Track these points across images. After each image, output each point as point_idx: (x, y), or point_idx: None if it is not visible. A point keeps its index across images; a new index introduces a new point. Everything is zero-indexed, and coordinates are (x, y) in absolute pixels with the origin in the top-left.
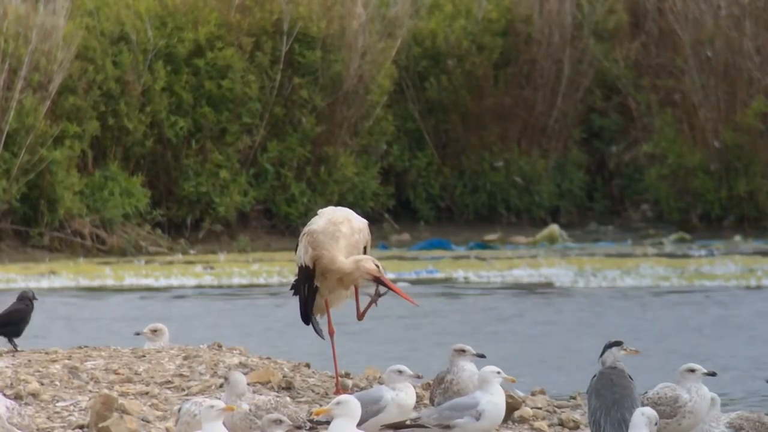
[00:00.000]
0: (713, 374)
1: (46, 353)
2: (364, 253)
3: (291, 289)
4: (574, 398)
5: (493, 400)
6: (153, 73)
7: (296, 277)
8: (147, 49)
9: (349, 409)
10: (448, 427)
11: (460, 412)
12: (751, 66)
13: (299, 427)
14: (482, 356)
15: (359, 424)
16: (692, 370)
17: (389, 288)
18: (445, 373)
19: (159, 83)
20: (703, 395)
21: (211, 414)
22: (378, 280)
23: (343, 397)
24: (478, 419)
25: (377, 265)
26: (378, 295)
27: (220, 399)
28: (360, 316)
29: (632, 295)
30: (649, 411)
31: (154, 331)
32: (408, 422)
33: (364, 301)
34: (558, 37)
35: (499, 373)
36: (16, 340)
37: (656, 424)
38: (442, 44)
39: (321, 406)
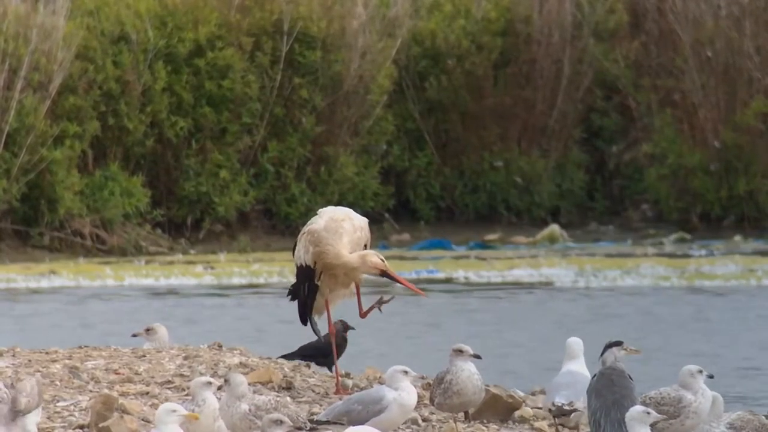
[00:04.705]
0: (711, 377)
1: (46, 353)
2: None
3: (288, 294)
4: None
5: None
6: (153, 73)
7: (294, 281)
8: (147, 49)
9: None
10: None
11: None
12: (751, 66)
13: (299, 428)
14: (478, 357)
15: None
16: (699, 371)
17: (396, 280)
18: (444, 373)
19: (159, 83)
20: (706, 396)
21: (169, 418)
22: (384, 274)
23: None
24: None
25: (382, 259)
26: (381, 302)
27: (219, 400)
28: (363, 315)
29: (632, 295)
30: (635, 412)
31: (148, 330)
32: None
33: (364, 299)
34: (558, 37)
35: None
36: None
37: (649, 413)
38: (441, 44)
39: (321, 406)
